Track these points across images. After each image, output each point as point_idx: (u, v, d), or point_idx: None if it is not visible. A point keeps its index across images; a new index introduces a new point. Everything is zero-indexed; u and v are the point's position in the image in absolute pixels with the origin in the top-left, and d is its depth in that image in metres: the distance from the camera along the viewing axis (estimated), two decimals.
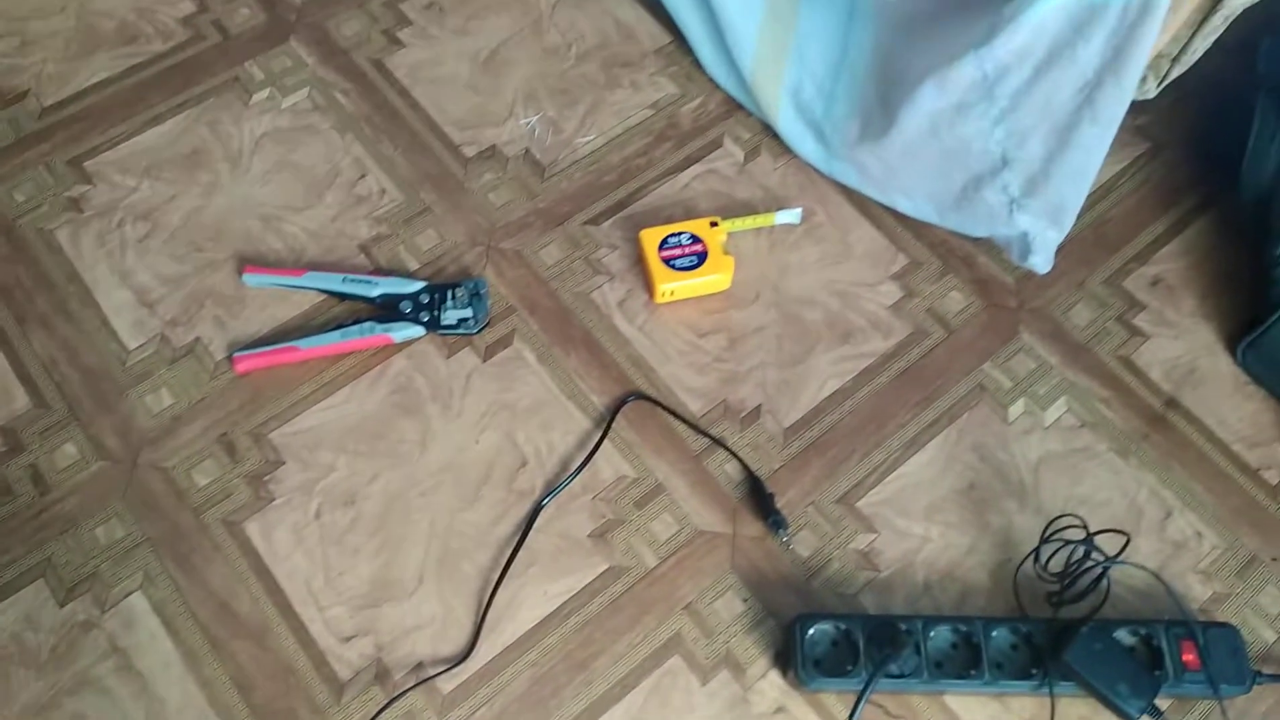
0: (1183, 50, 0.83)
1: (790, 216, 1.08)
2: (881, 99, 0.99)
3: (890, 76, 0.98)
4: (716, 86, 1.18)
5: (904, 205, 1.06)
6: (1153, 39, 0.76)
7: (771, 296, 1.05)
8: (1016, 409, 1.00)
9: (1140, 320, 1.05)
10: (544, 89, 1.17)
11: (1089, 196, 1.10)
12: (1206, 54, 0.87)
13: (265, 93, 1.15)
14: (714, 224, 1.05)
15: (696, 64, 1.18)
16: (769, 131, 1.14)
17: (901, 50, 0.96)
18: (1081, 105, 0.84)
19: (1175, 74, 0.86)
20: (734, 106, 1.17)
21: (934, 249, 1.08)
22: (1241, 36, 0.89)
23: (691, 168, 1.13)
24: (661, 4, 1.19)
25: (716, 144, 1.15)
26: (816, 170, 1.11)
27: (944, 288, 1.06)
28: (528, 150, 1.13)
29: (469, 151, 1.13)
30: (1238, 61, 1.03)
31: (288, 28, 1.20)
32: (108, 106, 1.13)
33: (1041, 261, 1.01)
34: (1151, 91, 0.87)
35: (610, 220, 1.09)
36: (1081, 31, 0.80)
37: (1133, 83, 0.80)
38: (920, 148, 0.97)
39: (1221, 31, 0.81)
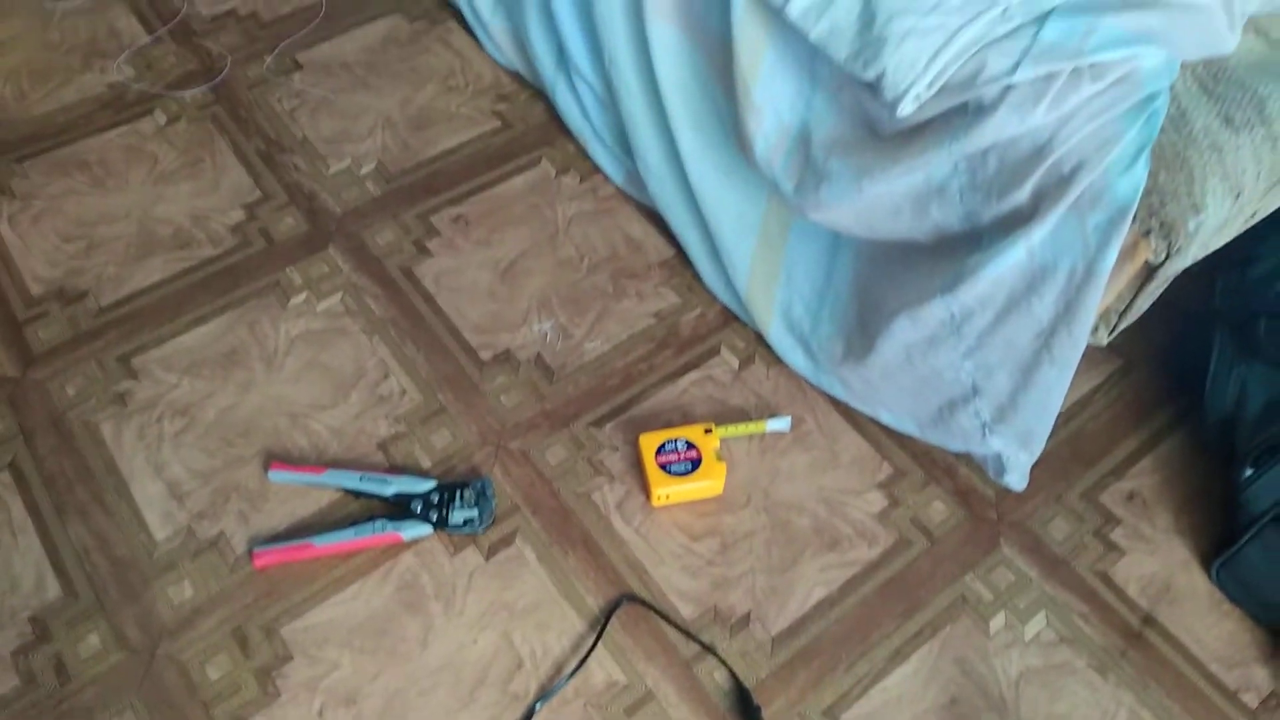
0: (1128, 307, 0.91)
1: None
2: (862, 324, 1.07)
3: (869, 304, 1.06)
4: (715, 298, 1.27)
5: (887, 418, 1.13)
6: (1098, 298, 0.84)
7: (762, 501, 1.11)
8: (998, 622, 1.03)
9: (1116, 535, 1.10)
10: (557, 297, 1.27)
11: (1065, 412, 1.17)
12: (1174, 278, 0.95)
13: (302, 296, 1.25)
14: (708, 430, 1.12)
15: (697, 277, 1.28)
16: (762, 342, 1.22)
17: (879, 282, 1.05)
18: (1040, 349, 0.91)
19: (1125, 325, 0.93)
20: (731, 317, 1.26)
21: (917, 459, 1.14)
22: (1210, 260, 0.96)
23: (690, 373, 1.21)
24: (667, 222, 1.30)
25: (714, 351, 1.23)
26: (806, 380, 1.19)
27: (927, 497, 1.12)
28: (539, 355, 1.22)
29: (485, 355, 1.22)
30: (1203, 286, 1.12)
31: (327, 236, 1.32)
32: (158, 307, 1.23)
33: (1016, 480, 1.06)
34: (1104, 340, 0.95)
35: (613, 422, 1.17)
36: (1035, 288, 0.88)
37: (1084, 333, 0.88)
38: (898, 372, 1.04)
39: (1164, 289, 0.89)
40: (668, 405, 1.19)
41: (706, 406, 1.18)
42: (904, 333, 1.00)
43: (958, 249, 0.93)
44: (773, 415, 1.17)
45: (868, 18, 0.88)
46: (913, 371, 1.03)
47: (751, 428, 1.15)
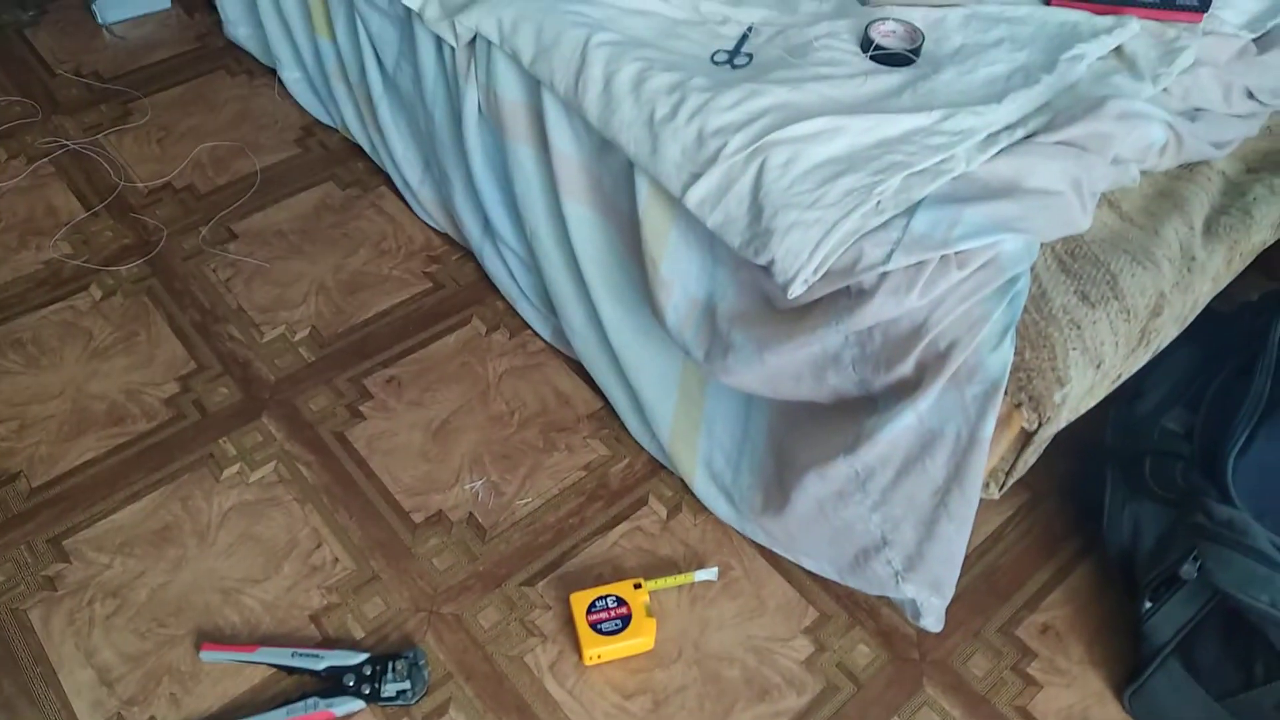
0: (1012, 466, 0.97)
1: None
2: (778, 477, 1.12)
3: (783, 459, 1.12)
4: (642, 449, 1.32)
5: (809, 564, 1.17)
6: (984, 461, 0.91)
7: (693, 654, 1.14)
8: None
9: (1034, 669, 1.14)
10: (489, 454, 1.31)
11: (978, 547, 1.23)
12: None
13: (236, 468, 1.27)
14: (638, 585, 1.16)
15: (624, 428, 1.33)
16: (689, 490, 1.27)
17: (790, 437, 1.11)
18: (938, 505, 0.97)
19: (1013, 480, 1.00)
20: (658, 466, 1.31)
21: (841, 601, 1.18)
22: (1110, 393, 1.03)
23: (619, 525, 1.25)
24: (593, 377, 1.35)
25: (642, 502, 1.27)
26: (731, 527, 1.23)
27: (852, 640, 1.15)
28: (471, 514, 1.25)
29: (418, 517, 1.24)
30: (1102, 414, 1.19)
31: (261, 405, 1.35)
32: (91, 485, 1.25)
33: (932, 623, 1.11)
34: (996, 494, 1.01)
35: (545, 580, 1.20)
36: (927, 449, 0.94)
37: (975, 491, 0.94)
38: (813, 523, 1.09)
39: (1044, 449, 0.96)
40: (599, 559, 1.22)
41: (637, 558, 1.22)
42: (814, 487, 1.05)
43: (857, 411, 0.99)
44: (700, 565, 1.21)
45: (756, 210, 0.96)
46: (826, 523, 1.07)
47: (680, 579, 1.18)
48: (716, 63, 1.13)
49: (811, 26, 1.15)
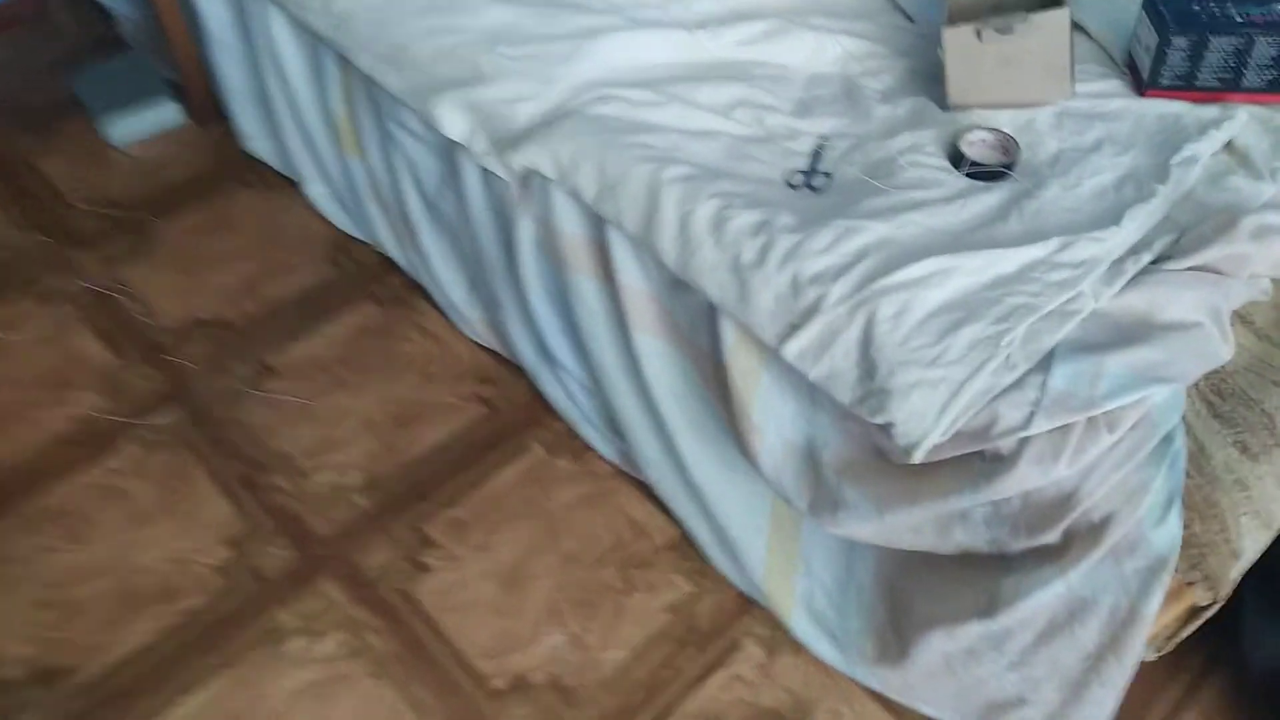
0: (1176, 633, 0.89)
1: None
2: (894, 625, 1.04)
3: (899, 606, 1.04)
4: (729, 582, 1.24)
5: (929, 711, 1.09)
6: (1145, 634, 0.83)
7: None
8: None
9: None
10: (566, 601, 1.23)
11: None
12: None
13: (299, 642, 1.19)
14: None
15: (706, 558, 1.25)
16: (783, 626, 1.18)
17: (905, 583, 1.03)
18: (1088, 671, 0.89)
19: (1176, 641, 0.92)
20: (746, 601, 1.22)
21: None
22: None
23: (716, 674, 1.16)
24: (670, 509, 1.27)
25: (736, 645, 1.19)
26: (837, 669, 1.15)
27: None
28: (555, 675, 1.16)
29: (499, 683, 1.16)
30: None
31: (317, 563, 1.26)
32: (149, 676, 1.15)
33: None
34: (1152, 656, 0.93)
35: None
36: (1077, 617, 0.86)
37: (1133, 661, 0.86)
38: (937, 677, 1.01)
39: (1214, 613, 0.88)
40: (699, 717, 1.13)
41: (739, 713, 1.13)
42: (941, 644, 0.97)
43: (988, 567, 0.91)
44: (808, 717, 1.12)
45: (869, 366, 0.88)
46: (953, 679, 0.99)
47: None
48: (793, 186, 1.05)
49: (891, 139, 1.07)
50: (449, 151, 1.26)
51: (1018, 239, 0.93)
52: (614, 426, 1.31)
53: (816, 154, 1.08)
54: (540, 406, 1.43)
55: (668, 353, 1.14)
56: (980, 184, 1.01)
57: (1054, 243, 0.91)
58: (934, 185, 1.01)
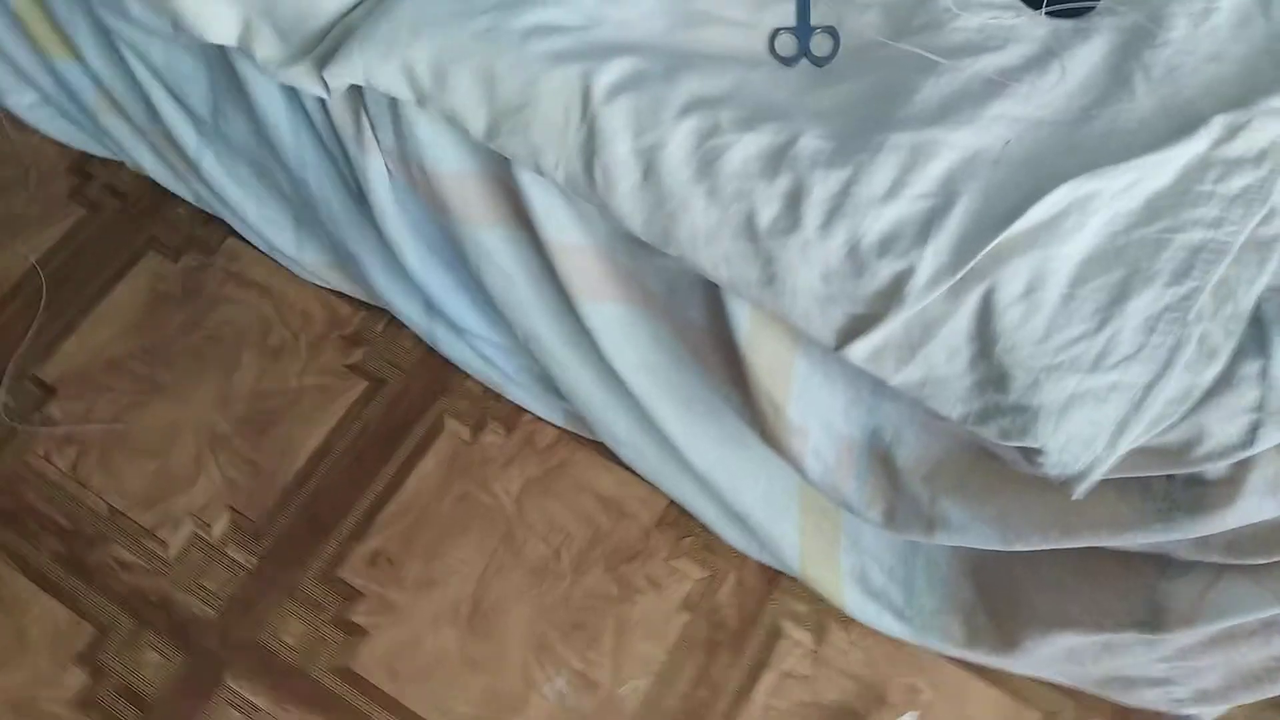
0: None
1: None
2: (990, 612, 0.83)
3: (997, 592, 0.82)
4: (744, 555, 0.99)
5: (1032, 675, 0.91)
6: None
7: None
8: None
9: None
10: (553, 629, 0.96)
11: None
12: None
13: None
14: None
15: (709, 528, 1.00)
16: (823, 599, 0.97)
17: (1007, 570, 0.81)
18: (1273, 670, 0.70)
19: None
20: (772, 572, 0.99)
21: (1071, 694, 0.94)
22: None
23: (763, 678, 0.94)
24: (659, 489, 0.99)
25: (776, 633, 0.97)
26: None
27: None
28: None
29: None
30: None
31: (217, 662, 0.94)
32: None
33: None
34: None
35: None
36: (1276, 627, 0.66)
37: None
38: (1056, 663, 0.82)
39: None
40: None
41: (803, 716, 0.94)
42: (1070, 642, 0.77)
43: (1145, 570, 0.69)
44: (880, 699, 0.94)
45: (993, 372, 0.58)
46: (1078, 667, 0.81)
47: None
48: (786, 59, 0.69)
49: None
50: (217, 54, 0.81)
51: (1159, 126, 0.61)
52: (552, 386, 0.98)
53: (804, 5, 0.70)
54: (440, 364, 1.07)
55: (632, 318, 0.80)
56: (1069, 25, 0.67)
57: (1216, 125, 0.60)
58: (1005, 39, 0.66)
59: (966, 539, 0.69)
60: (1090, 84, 0.64)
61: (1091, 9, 0.68)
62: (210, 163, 0.97)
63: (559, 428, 1.04)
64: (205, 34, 0.74)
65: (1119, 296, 0.57)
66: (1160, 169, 0.59)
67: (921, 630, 0.91)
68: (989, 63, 0.64)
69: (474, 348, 1.00)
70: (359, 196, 0.85)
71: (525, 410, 1.05)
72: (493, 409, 1.06)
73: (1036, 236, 0.58)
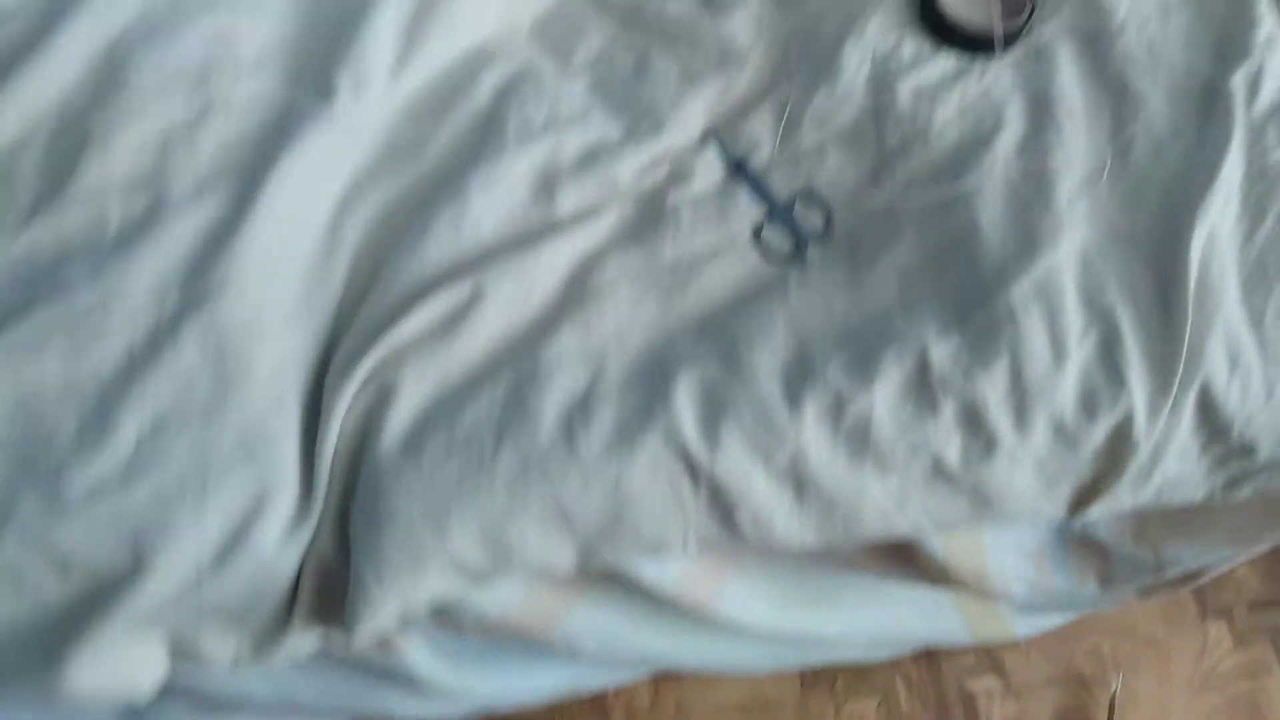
0: None
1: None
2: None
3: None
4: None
5: None
6: None
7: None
8: None
9: None
10: None
11: None
12: None
13: None
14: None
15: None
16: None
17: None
18: None
19: None
20: (926, 651, 0.94)
21: None
22: None
23: None
24: None
25: (968, 698, 0.93)
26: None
27: None
28: None
29: None
30: None
31: None
32: None
33: None
34: None
35: None
36: None
37: None
38: None
39: None
40: None
41: None
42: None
43: None
44: (1083, 684, 0.93)
45: (1233, 448, 0.54)
46: None
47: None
48: (782, 255, 0.58)
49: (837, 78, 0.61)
50: None
51: None
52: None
53: (738, 165, 0.60)
54: None
55: (753, 584, 0.68)
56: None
57: None
58: (995, 123, 0.59)
59: (1202, 562, 0.68)
60: None
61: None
62: None
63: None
64: None
65: None
66: None
67: (1079, 604, 0.90)
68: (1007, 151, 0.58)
69: None
70: None
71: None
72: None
73: (1202, 302, 0.54)
